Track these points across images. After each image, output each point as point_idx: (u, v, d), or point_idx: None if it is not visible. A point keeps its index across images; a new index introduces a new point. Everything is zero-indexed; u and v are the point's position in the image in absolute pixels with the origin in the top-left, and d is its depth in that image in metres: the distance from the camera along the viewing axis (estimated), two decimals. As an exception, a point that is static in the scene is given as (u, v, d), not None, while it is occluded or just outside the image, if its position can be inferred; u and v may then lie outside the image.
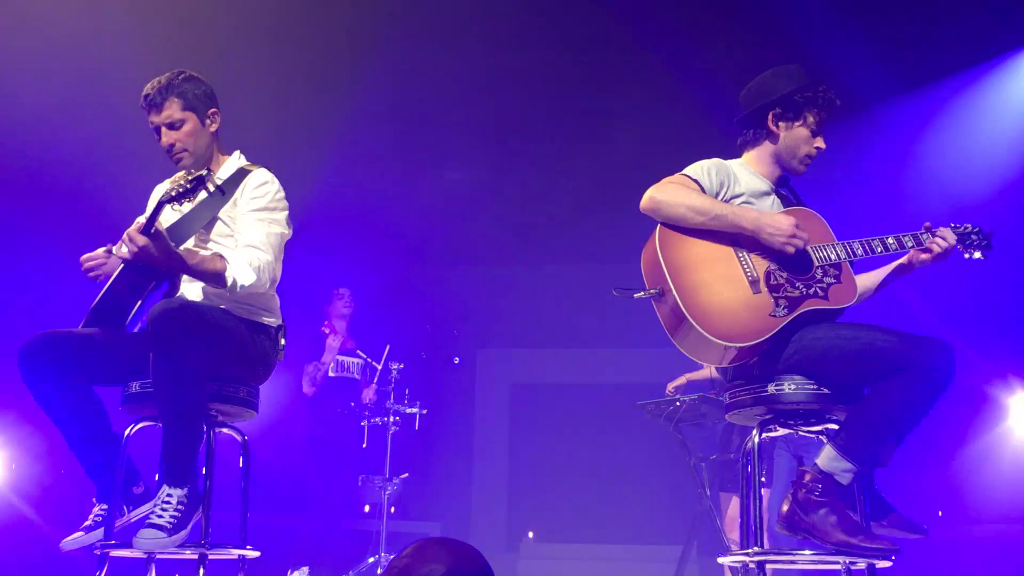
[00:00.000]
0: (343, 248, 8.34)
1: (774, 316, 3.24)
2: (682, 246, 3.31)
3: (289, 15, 6.50)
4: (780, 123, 3.50)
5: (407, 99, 7.39)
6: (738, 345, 3.20)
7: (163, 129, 3.58)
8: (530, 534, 8.75)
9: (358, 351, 7.13)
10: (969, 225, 3.64)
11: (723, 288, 3.26)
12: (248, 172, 3.64)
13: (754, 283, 3.28)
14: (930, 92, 7.06)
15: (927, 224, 3.55)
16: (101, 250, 3.63)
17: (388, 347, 7.18)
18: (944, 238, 3.51)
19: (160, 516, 3.23)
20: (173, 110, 3.56)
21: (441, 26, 6.67)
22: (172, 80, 3.59)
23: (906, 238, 3.51)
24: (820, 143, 3.51)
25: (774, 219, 3.31)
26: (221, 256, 3.42)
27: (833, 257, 3.39)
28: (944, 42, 6.65)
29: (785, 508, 3.22)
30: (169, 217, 3.58)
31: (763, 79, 3.56)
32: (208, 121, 3.64)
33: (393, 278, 8.92)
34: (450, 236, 8.89)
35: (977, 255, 3.62)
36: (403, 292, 8.98)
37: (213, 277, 3.39)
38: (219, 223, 3.59)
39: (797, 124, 3.49)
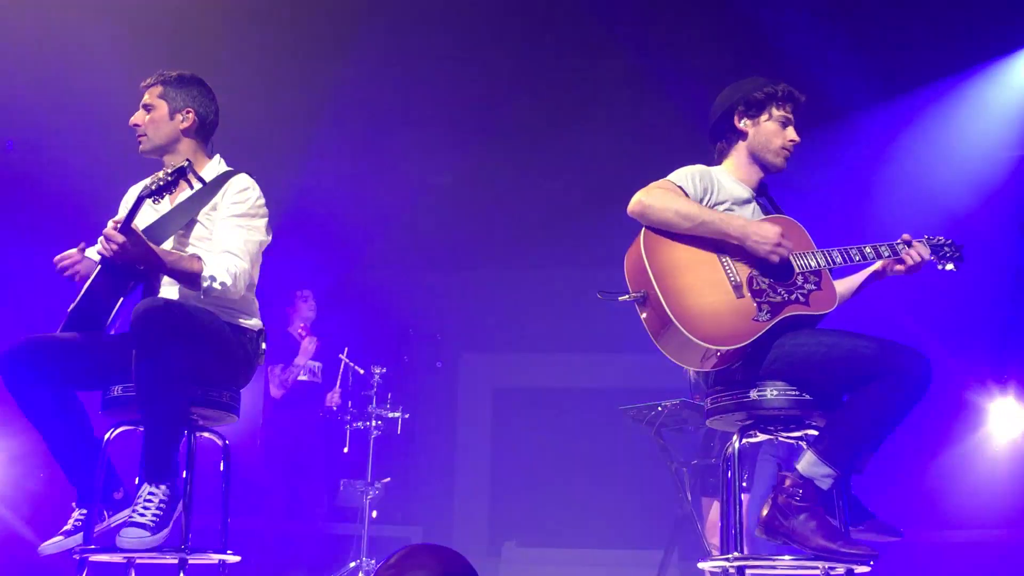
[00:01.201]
0: (321, 251, 8.32)
1: (757, 321, 3.27)
2: (667, 250, 3.36)
3: (261, 9, 6.48)
4: (745, 120, 3.59)
5: (386, 99, 7.38)
6: (722, 348, 3.23)
7: (140, 109, 3.72)
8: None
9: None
10: (942, 237, 3.74)
11: (707, 292, 3.30)
12: (229, 176, 3.65)
13: (737, 288, 3.32)
14: (909, 98, 7.11)
15: (905, 236, 3.63)
16: (74, 249, 3.65)
17: (346, 350, 7.14)
18: (918, 251, 3.59)
19: (142, 515, 3.22)
20: (151, 95, 3.72)
21: (419, 24, 6.66)
22: (167, 73, 3.75)
23: (883, 248, 3.58)
24: (792, 134, 3.59)
25: (760, 227, 3.36)
26: (198, 258, 3.44)
27: (814, 264, 3.44)
28: (923, 48, 6.69)
29: (765, 513, 3.24)
30: (148, 217, 3.59)
31: (725, 90, 3.68)
32: (179, 117, 3.70)
33: (374, 282, 8.90)
34: (431, 239, 8.88)
35: (950, 267, 3.73)
36: (384, 296, 8.97)
37: (188, 278, 3.41)
38: (198, 225, 3.60)
39: (763, 119, 3.58)
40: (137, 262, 3.34)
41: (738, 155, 3.63)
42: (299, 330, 7.01)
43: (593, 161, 7.77)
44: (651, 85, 7.02)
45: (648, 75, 6.99)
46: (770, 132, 3.57)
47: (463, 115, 7.53)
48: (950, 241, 3.72)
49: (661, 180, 3.47)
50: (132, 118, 3.73)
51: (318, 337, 7.13)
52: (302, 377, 6.96)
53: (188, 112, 3.70)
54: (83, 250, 3.61)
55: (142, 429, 3.37)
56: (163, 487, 3.28)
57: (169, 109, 3.69)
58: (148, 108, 3.70)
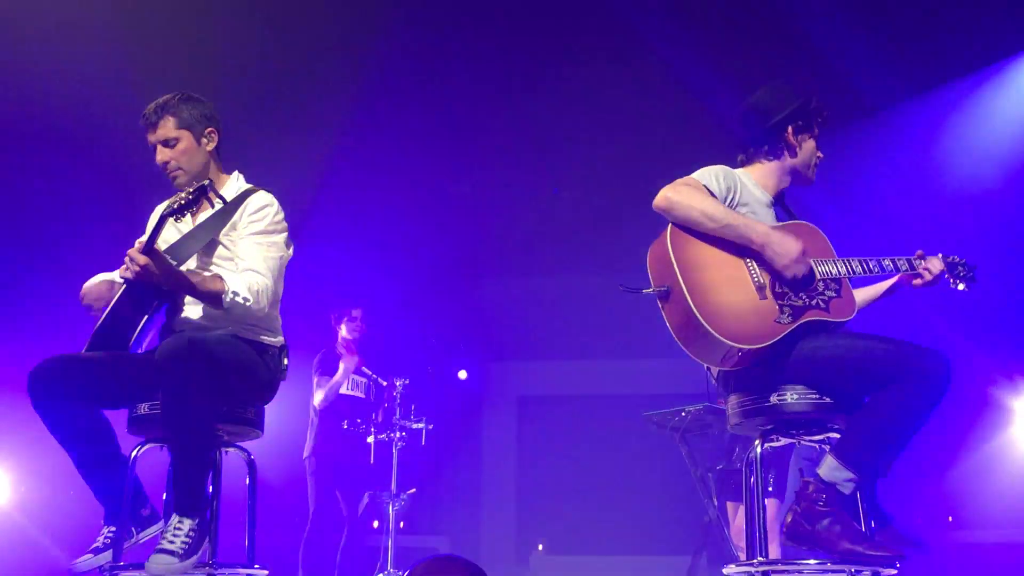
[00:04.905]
0: (350, 262, 8.36)
1: (779, 323, 3.28)
2: (693, 246, 3.36)
3: (285, 23, 6.53)
4: (799, 136, 3.58)
5: (410, 108, 7.41)
6: (745, 347, 3.23)
7: (159, 147, 3.66)
8: (540, 547, 8.75)
9: (364, 368, 7.13)
10: (956, 256, 3.79)
11: (731, 290, 3.31)
12: (249, 194, 3.67)
13: (760, 289, 3.33)
14: (940, 95, 7.06)
15: (920, 252, 3.69)
16: (98, 280, 3.67)
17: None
18: (934, 266, 3.66)
19: (171, 542, 3.26)
20: (167, 129, 3.64)
21: (445, 34, 6.70)
22: (168, 100, 3.67)
23: (900, 261, 3.64)
24: (819, 152, 3.64)
25: (783, 240, 3.35)
26: (220, 277, 3.47)
27: (835, 272, 3.45)
28: (954, 44, 6.65)
29: (789, 519, 3.24)
30: (170, 237, 3.62)
31: (769, 95, 3.63)
32: (204, 140, 3.69)
33: (399, 292, 8.93)
34: (457, 249, 8.90)
35: (961, 286, 3.78)
36: (408, 306, 8.99)
37: (211, 297, 3.44)
38: (219, 246, 3.62)
39: (809, 135, 3.60)
40: (161, 283, 3.38)
41: (775, 166, 3.61)
42: (342, 347, 7.05)
43: (618, 166, 7.77)
44: (675, 87, 7.01)
45: (672, 76, 6.98)
46: (812, 149, 3.62)
47: (491, 125, 7.56)
48: (964, 260, 3.77)
49: (687, 177, 3.47)
50: (158, 158, 3.65)
51: (360, 352, 7.17)
52: (344, 391, 6.99)
53: (211, 132, 3.70)
54: (111, 285, 3.62)
55: (167, 447, 3.41)
56: (193, 520, 3.31)
57: (194, 136, 3.66)
58: (170, 143, 3.64)
